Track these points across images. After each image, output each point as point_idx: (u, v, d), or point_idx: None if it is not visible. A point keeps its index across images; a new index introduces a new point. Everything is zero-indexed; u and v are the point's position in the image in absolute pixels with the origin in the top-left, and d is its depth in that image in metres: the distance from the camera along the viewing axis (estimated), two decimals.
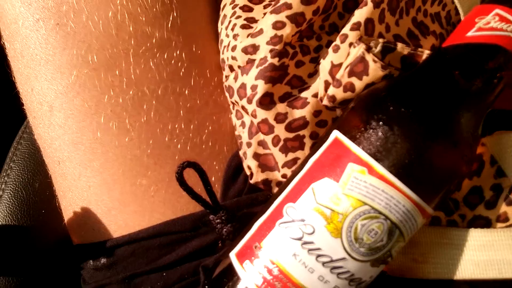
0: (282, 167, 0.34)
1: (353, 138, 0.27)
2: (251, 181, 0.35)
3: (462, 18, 0.36)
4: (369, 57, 0.30)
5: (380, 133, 0.26)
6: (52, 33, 0.34)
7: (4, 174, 0.46)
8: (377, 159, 0.26)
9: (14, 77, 0.38)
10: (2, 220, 0.43)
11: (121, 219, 0.36)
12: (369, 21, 0.33)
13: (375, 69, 0.30)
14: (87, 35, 0.34)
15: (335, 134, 0.27)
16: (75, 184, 0.37)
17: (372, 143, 0.26)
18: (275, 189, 0.35)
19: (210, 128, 0.37)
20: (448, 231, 0.31)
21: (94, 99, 0.35)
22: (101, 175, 0.36)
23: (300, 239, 0.26)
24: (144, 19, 0.35)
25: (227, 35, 0.36)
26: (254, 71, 0.33)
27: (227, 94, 0.37)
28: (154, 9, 0.36)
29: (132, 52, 0.35)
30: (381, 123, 0.26)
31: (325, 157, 0.27)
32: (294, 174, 0.29)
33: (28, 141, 0.47)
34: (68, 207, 0.38)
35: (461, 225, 0.32)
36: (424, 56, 0.31)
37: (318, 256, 0.26)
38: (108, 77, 0.34)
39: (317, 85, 0.33)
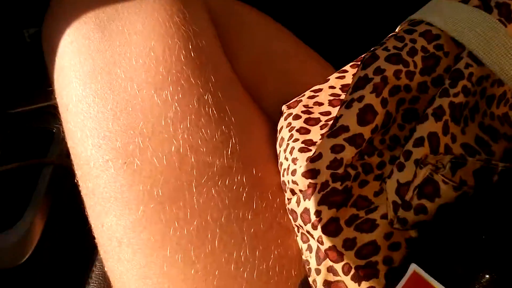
0: None
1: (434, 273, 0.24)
2: None
3: None
4: (438, 178, 0.28)
5: (467, 271, 0.23)
6: (120, 172, 0.36)
7: None
8: None
9: (87, 213, 0.40)
10: None
11: None
12: (432, 135, 0.32)
13: (447, 190, 0.28)
14: (152, 170, 0.36)
15: (413, 267, 0.25)
16: None
17: (457, 280, 0.24)
18: None
19: (276, 252, 0.36)
20: None
21: (160, 233, 0.35)
22: None
23: None
24: (204, 150, 0.36)
25: (286, 158, 0.36)
26: (317, 196, 0.32)
27: (290, 217, 0.36)
28: (214, 139, 0.37)
29: (194, 183, 0.36)
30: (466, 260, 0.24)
31: None
32: None
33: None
34: None
35: None
36: (499, 169, 0.29)
37: None
38: (172, 209, 0.35)
39: (385, 206, 0.32)
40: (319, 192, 0.32)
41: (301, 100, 0.40)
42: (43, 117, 0.67)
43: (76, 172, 0.40)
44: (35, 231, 0.60)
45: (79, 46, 0.39)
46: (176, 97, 0.37)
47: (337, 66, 0.46)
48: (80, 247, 0.56)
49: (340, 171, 0.32)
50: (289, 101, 0.41)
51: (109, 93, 0.37)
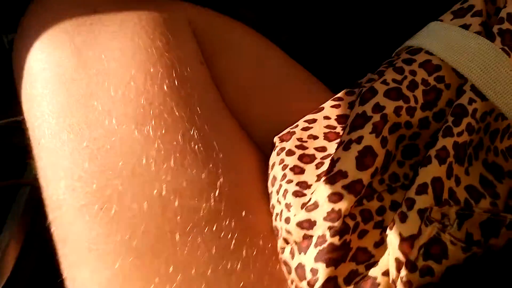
0: None
1: None
2: None
3: None
4: (446, 238, 0.26)
5: None
6: (95, 219, 0.33)
7: None
8: None
9: (59, 260, 0.37)
10: None
11: None
12: (436, 180, 0.29)
13: (455, 252, 0.25)
14: (131, 218, 0.32)
15: None
16: None
17: None
18: None
19: None
20: None
21: None
22: None
23: None
24: (190, 193, 0.33)
25: (279, 201, 0.33)
26: (313, 251, 0.30)
27: (283, 268, 0.33)
28: (200, 180, 0.34)
29: (179, 232, 0.32)
30: None
31: None
32: None
33: None
34: None
35: None
36: (508, 221, 0.27)
37: None
38: (153, 263, 0.32)
39: (387, 261, 0.29)
40: (315, 247, 0.29)
41: (294, 132, 0.37)
42: (21, 131, 0.63)
43: (48, 214, 0.37)
44: (9, 258, 0.56)
45: (52, 74, 0.35)
46: (158, 133, 0.33)
47: (330, 84, 0.43)
48: (58, 275, 0.52)
49: (338, 224, 0.29)
50: (281, 132, 0.38)
51: (84, 128, 0.34)
